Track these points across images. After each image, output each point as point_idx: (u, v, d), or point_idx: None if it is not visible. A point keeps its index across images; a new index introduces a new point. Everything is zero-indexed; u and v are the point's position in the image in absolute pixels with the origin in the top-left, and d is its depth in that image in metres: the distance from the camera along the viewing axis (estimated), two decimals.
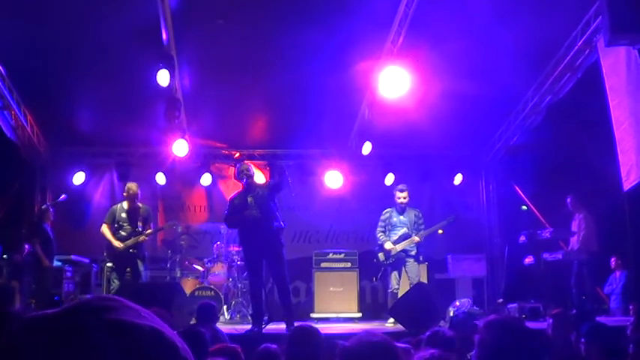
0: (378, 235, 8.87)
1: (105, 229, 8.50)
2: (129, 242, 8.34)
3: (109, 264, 8.61)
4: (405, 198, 8.79)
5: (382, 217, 8.94)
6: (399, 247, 8.57)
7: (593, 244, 9.18)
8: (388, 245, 8.59)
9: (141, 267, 8.45)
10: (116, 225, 8.46)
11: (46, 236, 9.03)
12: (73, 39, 8.38)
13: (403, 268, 8.68)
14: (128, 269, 8.43)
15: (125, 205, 8.59)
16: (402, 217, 8.79)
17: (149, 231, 8.70)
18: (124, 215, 8.50)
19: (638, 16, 6.17)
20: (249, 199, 7.47)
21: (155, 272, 10.94)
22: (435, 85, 9.30)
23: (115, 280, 8.31)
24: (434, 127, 10.57)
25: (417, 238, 8.66)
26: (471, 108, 10.01)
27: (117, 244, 8.29)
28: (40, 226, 8.94)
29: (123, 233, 8.41)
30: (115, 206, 8.76)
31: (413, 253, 8.69)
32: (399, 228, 8.74)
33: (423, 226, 8.83)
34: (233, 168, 11.83)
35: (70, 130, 10.88)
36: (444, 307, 9.37)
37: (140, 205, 8.70)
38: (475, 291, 10.87)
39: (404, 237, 8.60)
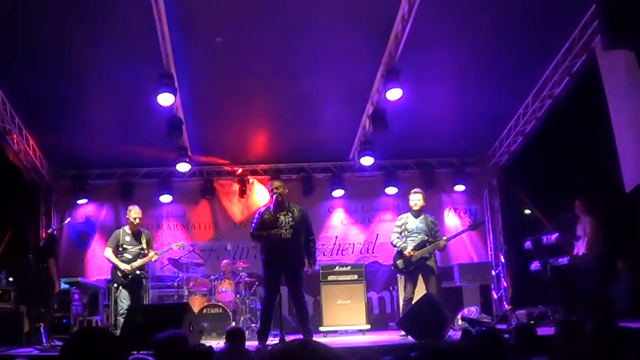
0: (394, 242, 8.44)
1: (109, 253, 8.52)
2: (136, 264, 8.36)
3: (116, 285, 8.59)
4: (419, 200, 8.52)
5: (398, 223, 8.58)
6: (419, 254, 8.29)
7: (599, 248, 9.10)
8: (408, 252, 8.22)
9: (146, 285, 8.50)
10: (120, 248, 8.48)
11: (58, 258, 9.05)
12: (73, 62, 8.42)
13: (420, 278, 8.29)
14: (136, 289, 8.43)
15: (127, 229, 8.61)
16: (418, 223, 8.41)
17: (160, 251, 8.74)
18: (127, 238, 8.52)
19: (636, 19, 6.19)
20: (282, 218, 7.48)
21: (162, 291, 10.94)
22: (437, 94, 9.33)
23: (125, 301, 8.28)
24: (435, 135, 10.61)
25: (443, 242, 8.30)
26: (472, 115, 10.03)
27: (124, 266, 8.30)
28: (53, 248, 8.94)
29: (128, 256, 8.42)
30: (118, 230, 8.79)
31: (431, 263, 8.26)
32: (416, 234, 8.34)
33: (439, 234, 8.55)
34: (237, 184, 11.90)
35: (73, 153, 10.92)
36: (451, 315, 9.32)
37: (141, 230, 8.72)
38: (483, 298, 10.83)
39: (422, 244, 8.30)
